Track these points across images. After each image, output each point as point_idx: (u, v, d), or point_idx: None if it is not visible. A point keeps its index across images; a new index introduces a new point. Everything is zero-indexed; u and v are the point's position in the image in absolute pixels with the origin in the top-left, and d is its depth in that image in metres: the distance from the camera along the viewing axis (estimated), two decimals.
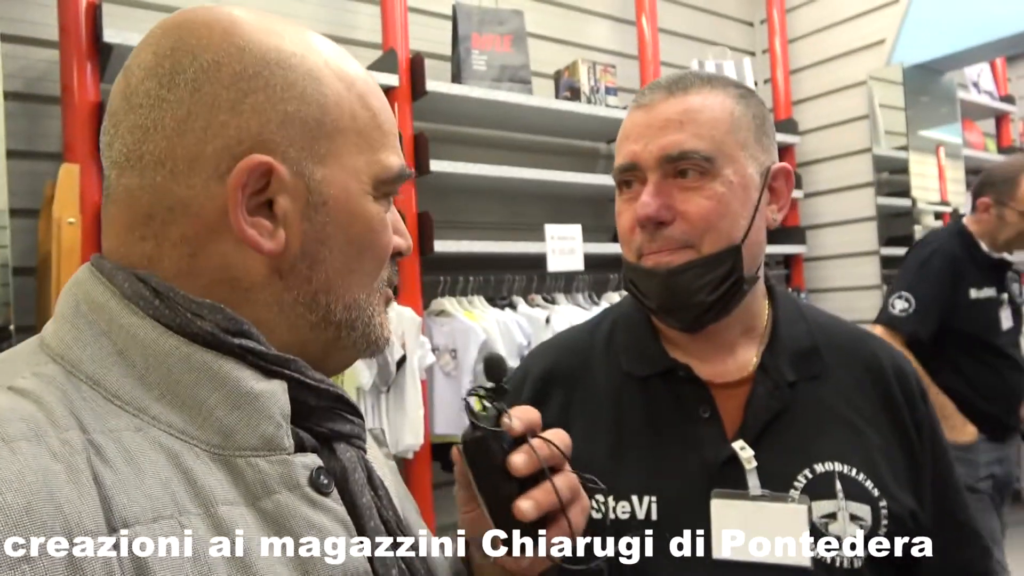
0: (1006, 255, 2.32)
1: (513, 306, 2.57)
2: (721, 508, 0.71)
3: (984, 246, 2.31)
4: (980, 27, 3.25)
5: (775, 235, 3.46)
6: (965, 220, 2.39)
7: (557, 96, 2.87)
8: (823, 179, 3.66)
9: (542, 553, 0.53)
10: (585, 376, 0.72)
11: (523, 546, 0.53)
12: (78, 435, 0.42)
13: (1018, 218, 2.24)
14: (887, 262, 3.48)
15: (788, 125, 3.59)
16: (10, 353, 0.49)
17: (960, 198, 3.84)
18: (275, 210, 0.49)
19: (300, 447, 0.49)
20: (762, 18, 3.88)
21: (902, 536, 0.73)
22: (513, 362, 2.38)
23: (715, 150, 0.75)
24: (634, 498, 0.75)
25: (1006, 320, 2.30)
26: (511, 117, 2.76)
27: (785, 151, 3.63)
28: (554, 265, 2.56)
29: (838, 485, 0.73)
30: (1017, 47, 3.62)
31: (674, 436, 0.68)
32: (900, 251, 3.49)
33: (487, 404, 0.57)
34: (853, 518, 0.72)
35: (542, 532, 0.54)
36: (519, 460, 0.54)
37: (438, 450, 2.36)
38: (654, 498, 0.74)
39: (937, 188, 3.81)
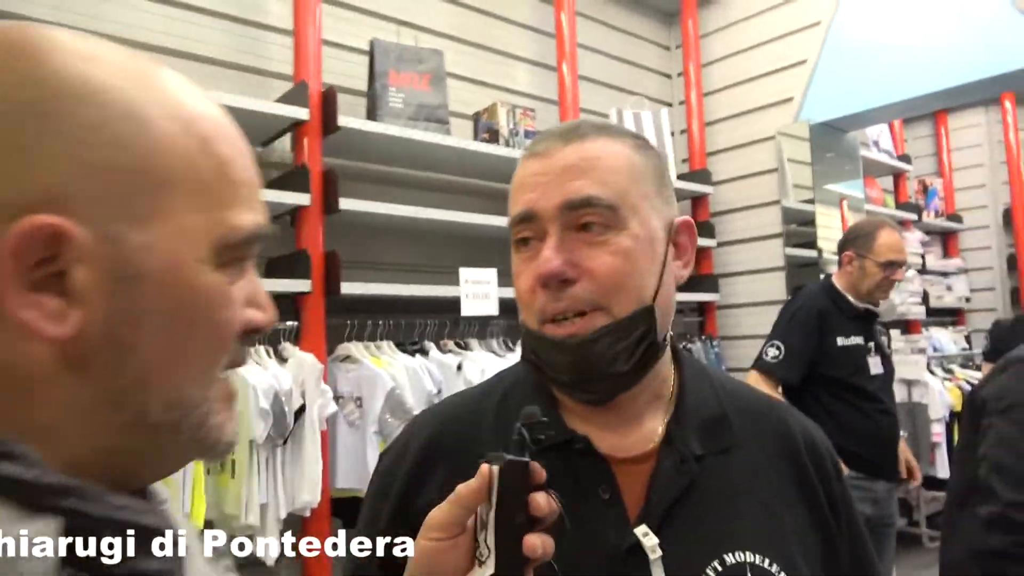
0: (871, 306, 2.50)
1: (424, 352, 2.47)
2: None
3: (850, 297, 2.50)
4: (880, 90, 3.42)
5: (690, 283, 3.50)
6: (833, 275, 2.60)
7: (475, 137, 2.83)
8: (735, 229, 3.75)
9: None
10: (473, 449, 0.61)
11: None
12: None
13: (877, 269, 2.44)
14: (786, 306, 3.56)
15: (702, 176, 3.66)
16: None
17: None
18: (68, 284, 0.39)
19: None
20: (679, 71, 3.99)
21: None
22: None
23: (619, 200, 0.68)
24: None
25: (875, 367, 2.45)
26: (427, 157, 2.69)
27: (699, 201, 3.70)
28: (468, 309, 2.49)
29: None
30: (913, 110, 3.84)
31: (571, 520, 0.59)
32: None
33: (527, 439, 0.56)
34: None
35: None
36: (544, 499, 0.55)
37: (339, 505, 2.21)
38: None
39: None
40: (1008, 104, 5.42)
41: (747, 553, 0.67)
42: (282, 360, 2.13)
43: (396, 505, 0.72)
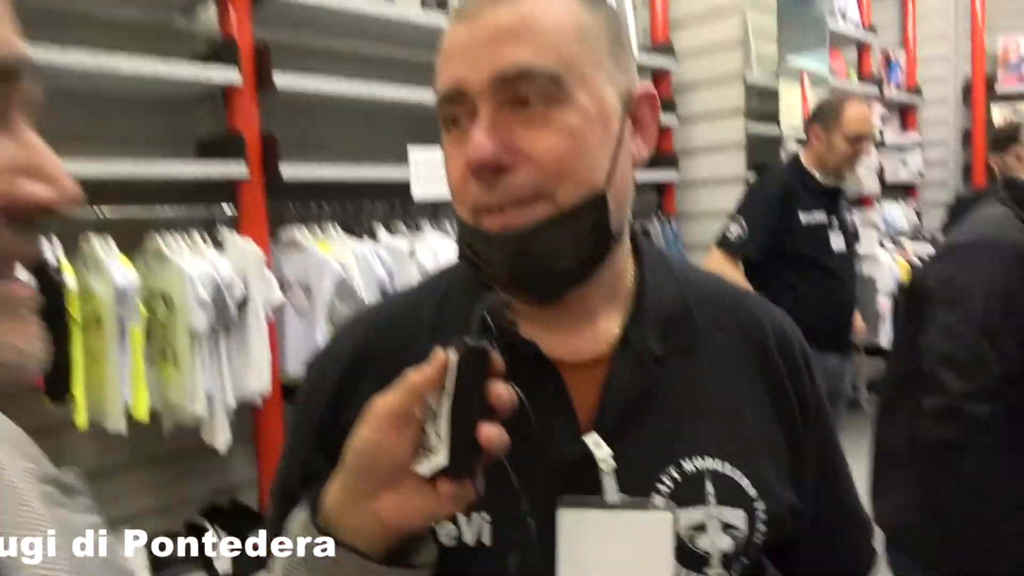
0: (837, 183, 2.50)
1: (374, 236, 2.38)
2: (570, 521, 0.58)
3: (816, 174, 2.50)
4: None
5: (650, 160, 3.41)
6: (799, 152, 2.58)
7: (423, 6, 2.62)
8: (697, 105, 3.63)
9: (476, 492, 0.51)
10: (407, 358, 0.55)
11: (464, 473, 0.50)
12: None
13: (844, 143, 2.43)
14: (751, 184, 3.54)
15: (665, 49, 3.50)
16: None
17: None
18: None
19: None
20: None
21: (779, 538, 0.65)
22: (374, 297, 2.23)
23: (563, 68, 0.58)
24: (461, 519, 0.60)
25: (836, 243, 2.48)
26: (370, 28, 2.49)
27: (661, 76, 3.55)
28: (419, 192, 2.39)
29: (709, 487, 0.62)
30: None
31: (515, 433, 0.52)
32: None
33: (490, 324, 0.52)
34: (725, 527, 0.62)
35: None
36: (505, 390, 0.51)
37: (289, 392, 2.19)
38: (487, 516, 0.60)
39: (800, 115, 3.87)
40: None
41: (707, 459, 0.63)
42: (221, 248, 2.03)
43: (320, 422, 0.66)
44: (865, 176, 4.16)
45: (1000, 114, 5.30)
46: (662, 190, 3.62)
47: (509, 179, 0.58)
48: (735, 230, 2.46)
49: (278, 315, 2.16)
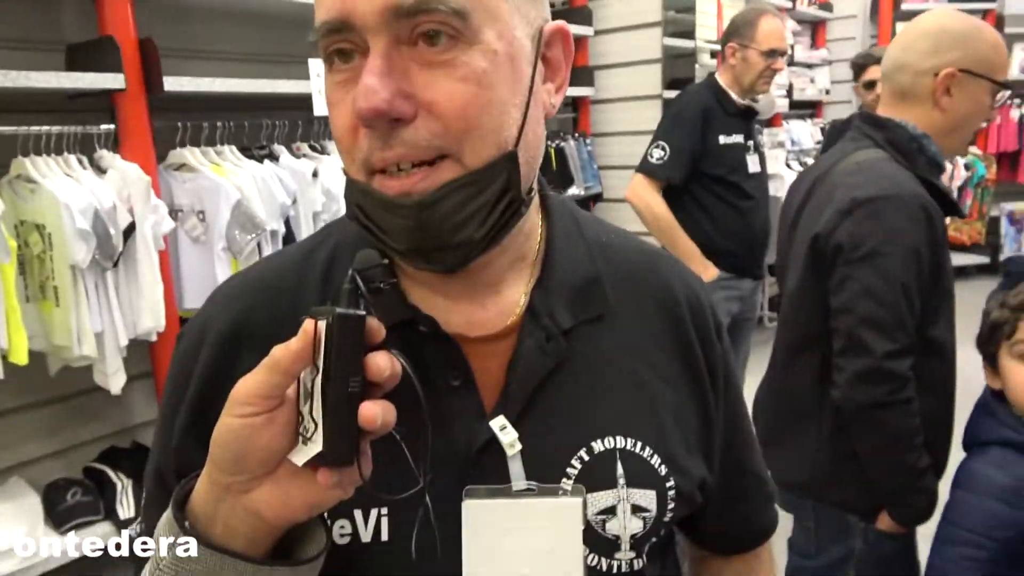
0: (752, 103, 2.51)
1: (274, 157, 2.21)
2: (474, 512, 0.54)
3: (733, 95, 2.48)
4: None
5: None
6: (716, 72, 2.55)
7: None
8: (612, 16, 3.51)
9: (360, 479, 0.46)
10: (291, 329, 0.47)
11: (344, 458, 0.44)
12: None
13: (760, 58, 2.41)
14: (669, 105, 3.50)
15: None
16: None
17: None
18: None
19: None
20: None
21: (689, 512, 0.64)
22: (275, 223, 2.09)
23: (470, 1, 0.49)
24: (357, 513, 0.55)
25: (752, 165, 2.51)
26: None
27: None
28: (322, 107, 2.22)
29: (619, 468, 0.58)
30: None
31: (414, 416, 0.47)
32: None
33: (361, 288, 0.46)
34: (636, 510, 0.59)
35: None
36: (385, 360, 0.45)
37: None
38: (384, 510, 0.55)
39: (715, 27, 3.82)
40: None
41: (617, 438, 0.59)
42: (100, 172, 1.83)
43: (192, 408, 0.58)
44: (775, 94, 4.20)
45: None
46: (577, 107, 3.54)
47: (407, 133, 0.49)
48: (657, 154, 2.43)
49: (171, 244, 1.99)
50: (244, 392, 0.45)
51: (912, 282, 1.26)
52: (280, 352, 0.45)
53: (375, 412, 0.44)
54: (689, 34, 3.66)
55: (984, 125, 5.28)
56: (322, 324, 0.44)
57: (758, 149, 2.56)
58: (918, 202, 1.27)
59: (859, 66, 3.22)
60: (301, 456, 0.45)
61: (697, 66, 3.71)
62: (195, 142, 2.08)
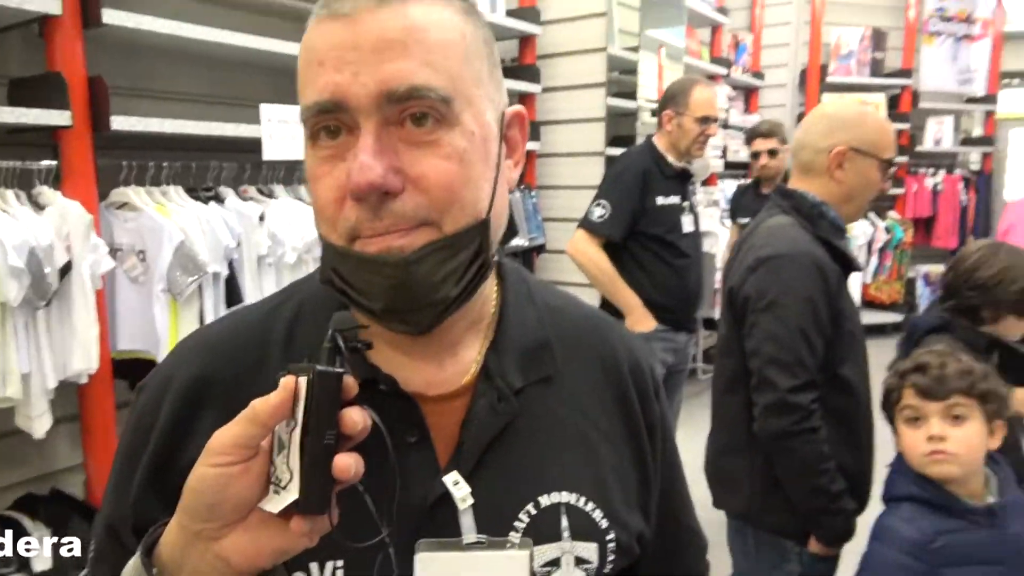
0: (688, 166, 2.66)
1: (220, 199, 2.20)
2: (427, 564, 0.57)
3: (670, 158, 2.62)
4: None
5: None
6: (653, 136, 2.69)
7: None
8: (560, 75, 3.64)
9: (329, 525, 0.48)
10: (255, 385, 0.51)
11: (319, 506, 0.47)
12: None
13: (694, 124, 2.57)
14: (611, 162, 3.63)
15: (531, 14, 3.47)
16: None
17: None
18: None
19: None
20: None
21: (628, 564, 0.67)
22: (219, 266, 2.07)
23: (453, 88, 0.54)
24: (313, 566, 0.56)
25: (687, 225, 2.65)
26: None
27: (526, 41, 3.53)
28: (271, 152, 2.23)
29: (564, 522, 0.62)
30: None
31: (375, 473, 0.51)
32: (623, 151, 3.68)
33: (342, 347, 0.50)
34: (578, 562, 0.62)
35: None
36: (359, 415, 0.48)
37: (122, 368, 2.01)
38: (340, 563, 0.57)
39: (656, 87, 4.00)
40: None
41: (563, 493, 0.63)
42: (39, 208, 1.79)
43: (153, 462, 0.59)
44: (710, 157, 4.40)
45: (830, 100, 5.76)
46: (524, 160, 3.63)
47: (395, 205, 0.53)
48: (598, 211, 2.55)
49: (108, 284, 1.95)
50: (221, 442, 0.47)
51: (809, 326, 1.46)
52: (260, 405, 0.47)
53: (349, 463, 0.46)
54: (631, 95, 3.81)
55: (889, 192, 5.58)
56: (303, 380, 0.47)
57: (693, 210, 2.69)
58: (810, 259, 1.49)
59: (747, 139, 3.47)
60: (276, 504, 0.47)
61: (639, 124, 3.86)
62: (140, 181, 2.06)
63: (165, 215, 1.99)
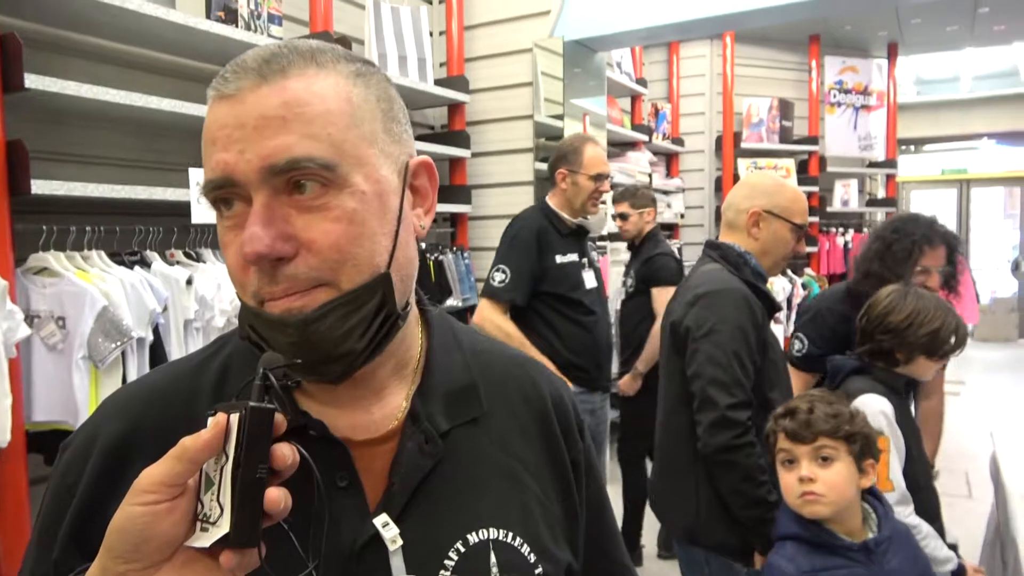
0: (583, 222, 2.68)
1: (146, 264, 2.16)
2: None
3: (564, 215, 2.65)
4: (626, 16, 3.57)
5: (443, 193, 3.46)
6: (547, 197, 2.71)
7: (208, 15, 2.45)
8: (489, 140, 3.75)
9: (259, 559, 0.48)
10: (186, 435, 0.50)
11: (249, 540, 0.47)
12: None
13: (588, 182, 2.62)
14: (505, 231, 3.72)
15: (460, 83, 3.59)
16: None
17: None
18: None
19: None
20: None
21: None
22: (143, 331, 2.01)
23: (336, 154, 0.56)
24: None
25: (589, 281, 2.65)
26: (148, 32, 2.28)
27: (456, 109, 3.63)
28: (200, 215, 2.21)
29: (492, 558, 0.63)
30: (653, 38, 4.08)
31: (303, 513, 0.52)
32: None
33: (273, 384, 0.51)
34: None
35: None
36: (289, 450, 0.49)
37: (36, 440, 1.91)
38: None
39: None
40: (728, 40, 6.02)
41: (491, 530, 0.64)
42: None
43: (78, 518, 0.58)
44: (604, 213, 4.57)
45: (744, 165, 6.10)
46: (456, 222, 3.69)
47: (289, 269, 0.56)
48: (498, 277, 2.53)
49: (23, 352, 1.87)
50: (149, 480, 0.47)
51: (742, 351, 1.65)
52: (190, 442, 0.47)
53: (279, 496, 0.48)
54: None
55: (805, 251, 5.90)
56: (234, 416, 0.48)
57: (593, 265, 2.71)
58: (740, 294, 1.72)
59: (614, 200, 3.58)
60: (205, 540, 0.47)
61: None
62: (61, 246, 2.00)
63: (87, 280, 1.94)
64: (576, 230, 2.66)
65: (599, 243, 3.95)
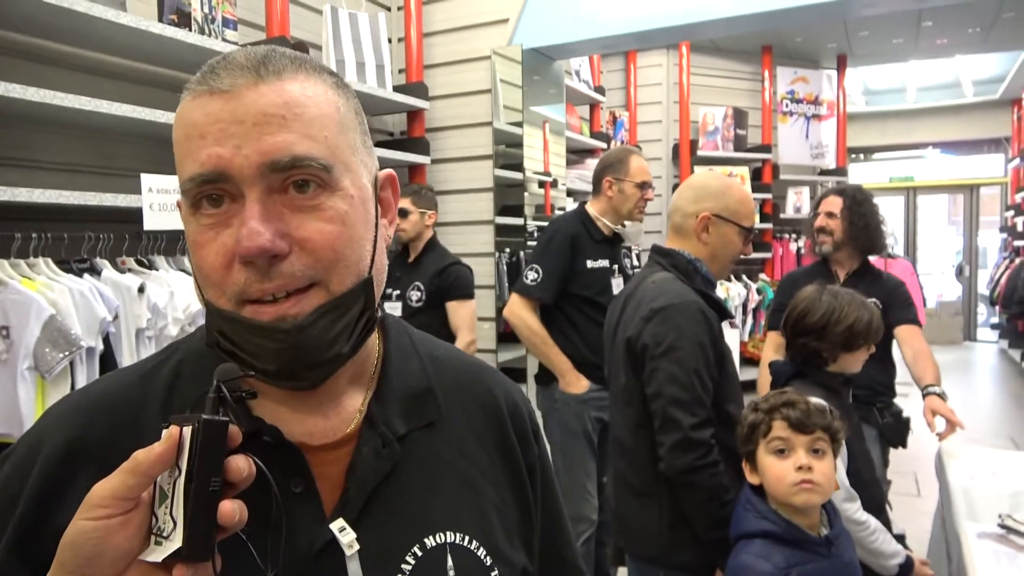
0: (620, 231, 2.81)
1: (95, 271, 2.11)
2: None
3: (600, 223, 2.77)
4: (584, 25, 3.61)
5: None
6: (587, 202, 2.84)
7: (160, 18, 2.41)
8: (449, 147, 3.76)
9: (213, 572, 0.48)
10: (133, 446, 0.48)
11: (203, 554, 0.47)
12: None
13: (635, 189, 2.75)
14: (500, 230, 3.74)
15: (419, 89, 3.58)
16: None
17: (560, 171, 4.32)
18: None
19: None
20: None
21: None
22: (93, 340, 1.96)
23: (332, 157, 0.58)
24: None
25: (617, 287, 2.74)
26: (98, 35, 2.23)
27: (415, 115, 3.63)
28: (152, 222, 2.17)
29: (449, 561, 0.63)
30: (611, 47, 4.13)
31: (260, 522, 0.52)
32: (511, 220, 3.81)
33: (227, 396, 0.51)
34: None
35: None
36: (244, 462, 0.49)
37: None
38: None
39: (542, 160, 4.19)
40: (684, 50, 6.12)
41: (448, 533, 0.65)
42: None
43: (20, 530, 0.56)
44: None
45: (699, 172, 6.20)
46: None
47: (284, 266, 0.56)
48: (531, 276, 2.68)
49: None
50: (100, 495, 0.46)
51: (702, 367, 1.59)
52: (143, 455, 0.47)
53: (233, 509, 0.48)
54: (518, 167, 3.97)
55: (759, 256, 6.06)
56: (187, 429, 0.48)
57: (623, 272, 2.82)
58: (697, 307, 1.65)
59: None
60: (158, 554, 0.47)
61: (526, 195, 4.01)
62: (4, 253, 1.94)
63: (33, 288, 1.88)
64: (610, 237, 2.77)
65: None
